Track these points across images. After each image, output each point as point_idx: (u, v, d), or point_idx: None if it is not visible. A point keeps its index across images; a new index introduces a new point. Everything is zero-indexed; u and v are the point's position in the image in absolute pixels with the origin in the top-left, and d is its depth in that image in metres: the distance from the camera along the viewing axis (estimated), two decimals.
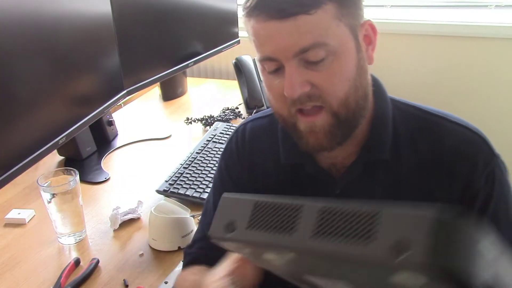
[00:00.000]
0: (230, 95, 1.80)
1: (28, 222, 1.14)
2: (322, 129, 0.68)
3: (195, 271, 0.85)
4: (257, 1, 0.65)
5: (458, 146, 0.73)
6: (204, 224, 0.89)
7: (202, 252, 0.87)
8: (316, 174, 0.77)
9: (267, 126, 0.84)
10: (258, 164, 0.83)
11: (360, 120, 0.71)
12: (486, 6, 1.81)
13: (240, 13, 0.73)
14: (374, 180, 0.74)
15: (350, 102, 0.68)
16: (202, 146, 1.34)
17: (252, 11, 0.66)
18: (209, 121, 1.58)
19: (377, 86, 0.76)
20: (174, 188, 1.17)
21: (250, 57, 1.67)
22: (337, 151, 0.73)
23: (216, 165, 1.01)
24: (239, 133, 0.87)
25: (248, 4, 0.67)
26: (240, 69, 1.66)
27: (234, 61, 1.69)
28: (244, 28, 0.72)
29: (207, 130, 1.51)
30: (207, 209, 0.90)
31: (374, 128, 0.75)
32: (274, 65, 0.67)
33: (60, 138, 1.16)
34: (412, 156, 0.73)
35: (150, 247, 1.04)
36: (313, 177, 0.77)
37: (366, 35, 0.71)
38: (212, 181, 0.95)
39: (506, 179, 0.74)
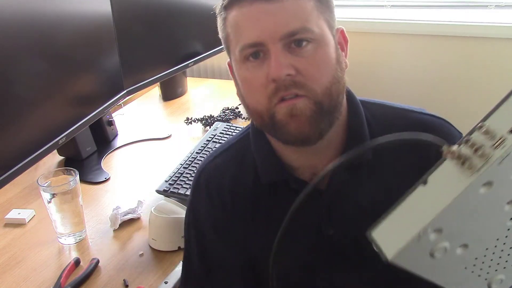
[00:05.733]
0: (230, 95, 1.80)
1: (28, 222, 1.13)
2: (304, 114, 0.67)
3: None
4: None
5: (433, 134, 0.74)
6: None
7: None
8: (300, 188, 0.73)
9: (232, 157, 0.82)
10: (230, 201, 0.80)
11: (338, 116, 0.71)
12: (486, 6, 1.81)
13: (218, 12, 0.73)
14: (360, 183, 0.74)
15: (332, 92, 0.69)
16: (202, 146, 1.34)
17: None
18: (209, 121, 1.58)
19: (347, 91, 0.76)
20: (174, 188, 1.17)
21: None
22: (316, 157, 0.72)
23: None
24: (200, 187, 0.83)
25: None
26: None
27: None
28: None
29: (207, 130, 1.51)
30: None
31: (350, 130, 0.75)
32: (255, 50, 0.67)
33: (60, 138, 1.16)
34: (393, 152, 0.73)
35: (150, 247, 1.04)
36: (297, 192, 0.73)
37: (339, 42, 0.73)
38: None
39: None
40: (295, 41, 0.66)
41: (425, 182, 0.51)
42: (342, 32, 0.74)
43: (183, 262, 0.88)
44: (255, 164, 0.78)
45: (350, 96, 0.77)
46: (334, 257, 0.76)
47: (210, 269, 0.84)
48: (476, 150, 0.47)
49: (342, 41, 0.74)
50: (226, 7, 0.69)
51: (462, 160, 0.48)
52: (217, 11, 0.73)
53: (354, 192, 0.74)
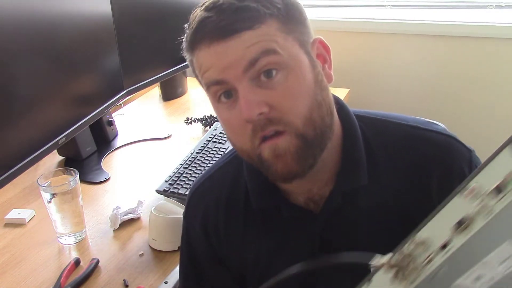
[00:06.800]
0: None
1: (28, 222, 1.13)
2: (288, 152, 0.62)
3: None
4: (197, 26, 0.62)
5: (437, 155, 0.70)
6: None
7: None
8: (294, 214, 0.72)
9: (226, 176, 0.78)
10: (223, 222, 0.78)
11: (327, 140, 0.66)
12: (486, 6, 1.81)
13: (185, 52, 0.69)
14: (356, 206, 0.70)
15: (315, 119, 0.63)
16: (202, 146, 1.34)
17: (194, 39, 0.63)
18: (209, 121, 1.57)
19: (340, 105, 0.72)
20: (174, 188, 1.17)
21: None
22: (310, 182, 0.69)
23: None
24: (193, 206, 0.82)
25: (189, 34, 0.64)
26: None
27: None
28: None
29: (207, 130, 1.51)
30: None
31: (345, 151, 0.70)
32: (223, 89, 0.63)
33: (60, 138, 1.16)
34: (391, 174, 0.70)
35: (150, 247, 1.04)
36: (290, 217, 0.72)
37: (319, 54, 0.68)
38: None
39: None
40: (264, 72, 0.61)
41: (369, 281, 0.51)
42: (320, 42, 0.68)
43: (179, 268, 0.88)
44: (247, 187, 0.75)
45: (343, 111, 0.72)
46: (328, 282, 0.73)
47: (203, 281, 0.83)
48: (408, 263, 0.46)
49: (322, 51, 0.68)
50: (188, 50, 0.66)
51: (394, 272, 0.47)
52: (184, 52, 0.69)
53: (349, 217, 0.70)
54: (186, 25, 0.66)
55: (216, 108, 0.67)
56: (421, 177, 0.69)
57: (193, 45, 0.64)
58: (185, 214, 0.84)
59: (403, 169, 0.70)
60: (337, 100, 0.71)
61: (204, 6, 0.63)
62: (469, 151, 0.71)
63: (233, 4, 0.61)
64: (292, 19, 0.64)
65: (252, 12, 0.61)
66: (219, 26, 0.61)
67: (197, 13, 0.64)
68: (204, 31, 0.62)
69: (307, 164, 0.64)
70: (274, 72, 0.61)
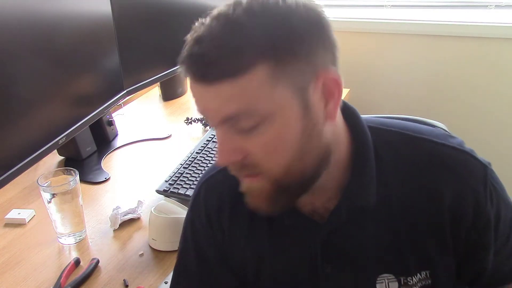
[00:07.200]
0: None
1: (28, 222, 1.13)
2: (261, 194, 0.62)
3: None
4: (184, 59, 0.58)
5: (452, 173, 0.68)
6: None
7: None
8: (297, 223, 0.71)
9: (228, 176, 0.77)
10: (228, 221, 0.77)
11: (315, 179, 0.64)
12: (486, 6, 1.81)
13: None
14: (364, 225, 0.69)
15: (293, 172, 0.60)
16: (202, 146, 1.34)
17: (183, 68, 0.59)
18: None
19: (351, 118, 0.68)
20: (174, 188, 1.17)
21: None
22: (312, 196, 0.67)
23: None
24: (200, 203, 0.80)
25: (182, 57, 0.60)
26: None
27: None
28: None
29: (207, 130, 1.51)
30: None
31: (355, 169, 0.67)
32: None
33: (60, 138, 1.16)
34: (402, 190, 0.68)
35: (150, 247, 1.04)
36: (295, 225, 0.72)
37: (326, 90, 0.60)
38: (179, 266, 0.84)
39: (502, 185, 0.70)
40: (236, 125, 0.58)
41: None
42: (333, 79, 0.59)
43: (175, 268, 0.86)
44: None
45: (355, 123, 0.69)
46: (331, 286, 0.73)
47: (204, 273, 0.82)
48: None
49: (331, 87, 0.60)
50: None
51: None
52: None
53: (356, 232, 0.69)
54: (187, 37, 0.62)
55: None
56: (433, 195, 0.67)
57: (184, 71, 0.61)
58: (192, 205, 0.82)
59: (414, 187, 0.68)
60: (349, 112, 0.69)
61: (196, 35, 0.57)
62: (485, 167, 0.69)
63: (219, 47, 0.55)
64: (291, 55, 0.56)
65: (238, 57, 0.55)
66: (201, 72, 0.57)
67: (191, 38, 0.59)
68: (189, 68, 0.58)
69: (278, 205, 0.64)
70: (253, 125, 0.58)
